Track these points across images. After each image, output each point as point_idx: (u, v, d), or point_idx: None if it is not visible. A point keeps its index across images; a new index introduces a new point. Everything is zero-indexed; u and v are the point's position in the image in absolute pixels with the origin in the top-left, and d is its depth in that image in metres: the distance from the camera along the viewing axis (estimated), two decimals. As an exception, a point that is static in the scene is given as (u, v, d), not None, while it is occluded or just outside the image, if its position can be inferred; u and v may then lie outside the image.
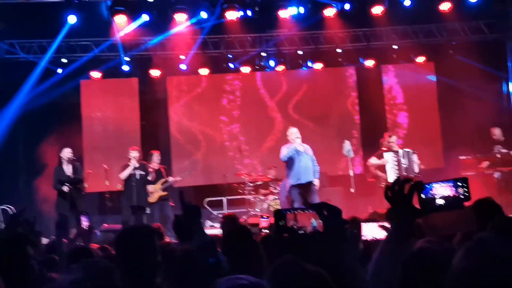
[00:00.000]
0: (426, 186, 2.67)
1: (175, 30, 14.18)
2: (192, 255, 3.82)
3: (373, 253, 3.50)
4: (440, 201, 2.66)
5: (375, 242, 4.14)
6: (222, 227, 6.79)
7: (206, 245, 3.68)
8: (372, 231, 4.14)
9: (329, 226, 2.58)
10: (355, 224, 4.32)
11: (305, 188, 11.05)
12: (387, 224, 3.79)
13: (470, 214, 3.51)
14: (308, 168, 11.11)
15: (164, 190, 12.49)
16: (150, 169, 12.38)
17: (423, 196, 2.60)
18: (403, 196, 2.48)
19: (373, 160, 12.02)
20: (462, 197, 2.66)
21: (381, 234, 4.06)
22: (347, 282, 2.46)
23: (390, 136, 12.07)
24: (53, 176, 11.79)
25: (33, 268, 3.51)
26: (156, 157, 12.69)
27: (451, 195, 2.67)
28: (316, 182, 11.24)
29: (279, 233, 2.75)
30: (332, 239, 2.56)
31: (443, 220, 3.19)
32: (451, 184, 2.70)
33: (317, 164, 11.34)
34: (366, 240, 4.22)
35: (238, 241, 4.30)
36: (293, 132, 11.21)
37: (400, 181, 2.51)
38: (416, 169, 11.73)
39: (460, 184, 2.68)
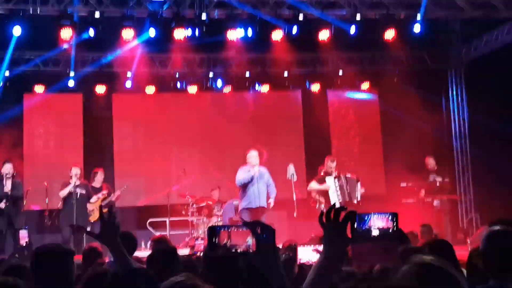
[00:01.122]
0: (365, 217, 2.75)
1: (123, 47, 14.04)
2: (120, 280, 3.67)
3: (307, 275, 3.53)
4: (375, 232, 2.74)
5: (310, 265, 4.19)
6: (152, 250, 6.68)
7: (131, 274, 3.46)
8: (308, 255, 4.20)
9: (261, 244, 2.60)
10: (291, 248, 4.36)
11: (254, 212, 11.07)
12: (320, 248, 3.85)
13: (394, 248, 3.59)
14: (260, 193, 11.15)
15: (104, 207, 12.28)
16: (95, 187, 12.21)
17: (357, 225, 2.67)
18: (337, 224, 2.52)
19: (314, 185, 12.09)
20: (391, 231, 2.75)
21: (317, 258, 4.12)
22: None
23: (332, 161, 12.17)
24: None
25: None
26: (100, 175, 12.54)
27: (385, 227, 2.76)
28: (271, 201, 11.26)
29: (211, 249, 2.75)
30: (264, 257, 2.57)
31: (371, 251, 3.25)
32: (387, 216, 2.79)
33: (273, 185, 11.37)
34: (301, 264, 4.26)
35: (164, 261, 4.23)
36: (253, 156, 11.24)
37: (336, 208, 2.55)
38: (358, 197, 11.83)
39: (391, 218, 2.77)
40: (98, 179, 12.48)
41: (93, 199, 12.07)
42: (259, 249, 2.63)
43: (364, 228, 2.73)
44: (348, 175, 12.14)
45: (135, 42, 13.83)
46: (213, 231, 2.87)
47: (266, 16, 13.33)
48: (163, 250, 4.94)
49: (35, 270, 3.37)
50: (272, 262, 2.59)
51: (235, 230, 2.91)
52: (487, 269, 3.64)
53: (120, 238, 5.65)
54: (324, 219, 2.55)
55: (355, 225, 2.69)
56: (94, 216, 12.16)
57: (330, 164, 12.05)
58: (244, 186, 11.12)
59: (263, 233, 2.64)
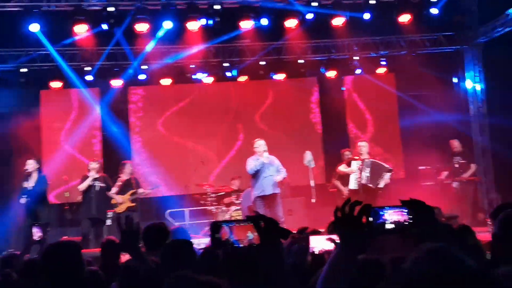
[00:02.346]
0: (380, 212, 2.75)
1: (138, 40, 14.10)
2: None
3: (320, 265, 3.54)
4: (390, 226, 2.75)
5: (323, 254, 4.17)
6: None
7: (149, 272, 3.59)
8: (321, 244, 4.17)
9: (264, 239, 2.60)
10: (303, 237, 4.34)
11: (269, 199, 11.10)
12: (335, 237, 3.82)
13: (409, 240, 3.56)
14: (272, 180, 11.18)
15: (133, 201, 12.30)
16: (123, 179, 12.26)
17: (371, 219, 2.66)
18: (352, 218, 2.49)
19: (342, 168, 12.09)
20: (407, 223, 2.77)
21: (330, 246, 4.09)
22: None
23: (362, 142, 12.17)
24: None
25: None
26: (128, 167, 12.56)
27: (401, 220, 2.77)
28: (279, 177, 11.26)
29: (215, 246, 2.76)
30: (267, 252, 2.57)
31: (386, 242, 3.24)
32: (402, 210, 2.80)
33: (284, 170, 11.40)
34: (314, 253, 4.24)
35: (176, 252, 4.27)
36: (261, 144, 11.27)
37: (351, 203, 2.53)
38: (381, 184, 11.68)
39: (406, 211, 2.78)
40: (126, 171, 12.49)
41: (113, 190, 12.09)
42: (263, 243, 2.64)
43: (379, 222, 2.75)
44: (378, 161, 12.01)
45: (149, 35, 13.89)
46: (215, 227, 2.88)
47: (280, 4, 13.31)
48: (175, 241, 4.97)
49: (45, 265, 3.43)
50: (275, 255, 2.60)
51: (237, 225, 2.92)
52: (497, 253, 3.59)
53: (153, 230, 5.73)
54: (339, 214, 2.52)
55: (370, 219, 2.68)
56: (121, 208, 12.20)
57: (360, 143, 12.04)
58: (256, 175, 11.16)
59: (267, 227, 2.64)
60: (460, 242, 3.75)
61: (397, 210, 2.79)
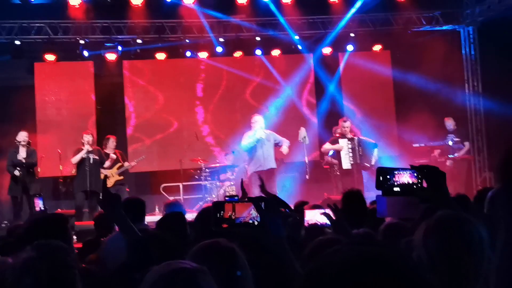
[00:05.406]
0: (390, 173, 2.78)
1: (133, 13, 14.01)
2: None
3: (313, 238, 3.58)
4: (396, 189, 2.78)
5: (317, 227, 4.20)
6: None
7: (137, 244, 3.36)
8: (316, 217, 4.20)
9: (265, 219, 2.63)
10: (299, 211, 4.37)
11: (265, 174, 11.07)
12: (328, 211, 3.85)
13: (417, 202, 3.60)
14: (269, 155, 11.23)
15: (120, 174, 12.37)
16: (107, 153, 12.27)
17: (382, 180, 2.71)
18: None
19: (327, 146, 12.11)
20: (414, 186, 2.79)
21: (323, 220, 4.11)
22: (280, 271, 2.53)
23: (345, 121, 12.15)
24: (7, 159, 11.68)
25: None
26: (111, 142, 12.57)
27: (410, 182, 2.79)
28: (285, 147, 11.39)
29: (217, 224, 2.78)
30: (267, 231, 2.61)
31: (396, 204, 3.25)
32: (413, 172, 2.83)
33: (284, 139, 11.45)
34: (309, 226, 4.26)
35: (173, 225, 4.29)
36: (258, 120, 11.26)
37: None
38: (372, 161, 11.79)
39: (416, 174, 2.81)
40: (110, 146, 12.51)
41: (106, 164, 12.12)
42: (263, 223, 2.67)
43: (389, 183, 2.78)
44: (364, 138, 12.10)
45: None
46: (217, 206, 2.89)
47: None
48: (172, 214, 5.01)
49: (29, 236, 3.33)
50: (276, 235, 2.63)
51: (240, 203, 2.93)
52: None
53: (129, 203, 5.74)
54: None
55: (381, 179, 2.74)
56: (110, 182, 12.23)
57: (344, 124, 12.02)
58: (252, 150, 11.17)
59: (267, 207, 2.68)
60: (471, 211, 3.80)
61: (408, 172, 2.82)
